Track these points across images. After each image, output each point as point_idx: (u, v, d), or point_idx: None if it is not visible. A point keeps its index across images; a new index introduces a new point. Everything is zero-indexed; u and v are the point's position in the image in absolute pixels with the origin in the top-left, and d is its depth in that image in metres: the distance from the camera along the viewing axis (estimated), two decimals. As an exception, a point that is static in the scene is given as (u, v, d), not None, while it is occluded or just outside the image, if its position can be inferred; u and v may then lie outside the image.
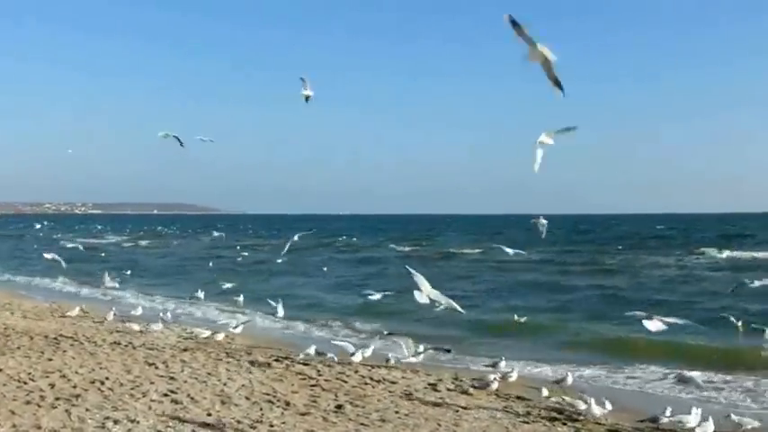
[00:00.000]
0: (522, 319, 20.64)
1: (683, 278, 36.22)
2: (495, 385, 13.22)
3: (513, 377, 13.88)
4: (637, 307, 24.33)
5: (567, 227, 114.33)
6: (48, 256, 25.04)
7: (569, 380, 13.39)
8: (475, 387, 13.45)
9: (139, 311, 22.66)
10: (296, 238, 22.00)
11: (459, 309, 10.74)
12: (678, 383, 14.38)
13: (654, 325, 13.77)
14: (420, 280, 10.18)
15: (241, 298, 25.71)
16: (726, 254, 48.70)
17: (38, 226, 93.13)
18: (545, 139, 8.69)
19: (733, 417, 11.08)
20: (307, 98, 11.61)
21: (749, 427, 10.90)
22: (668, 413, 11.12)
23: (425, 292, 10.13)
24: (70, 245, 47.42)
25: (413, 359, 15.45)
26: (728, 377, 14.91)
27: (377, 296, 18.55)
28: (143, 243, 75.83)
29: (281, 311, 22.21)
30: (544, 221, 15.82)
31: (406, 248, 64.77)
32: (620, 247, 58.32)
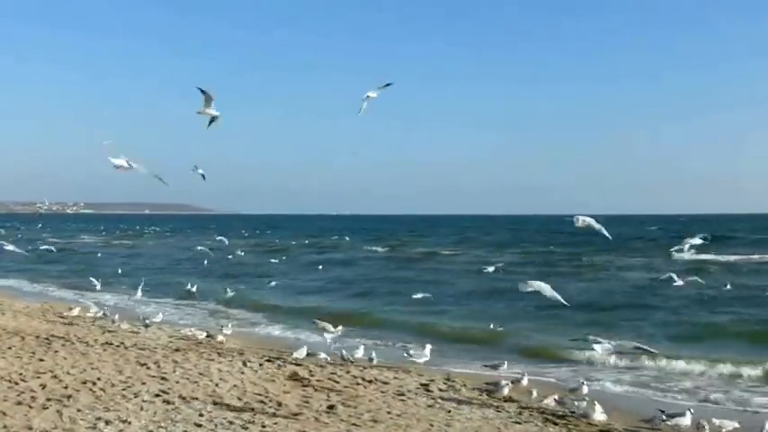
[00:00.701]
0: (499, 328, 20.55)
1: (647, 281, 35.47)
2: (506, 390, 13.06)
3: (525, 382, 13.57)
4: (595, 314, 24.39)
5: (556, 228, 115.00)
6: (8, 248, 24.81)
7: (585, 389, 12.97)
8: (485, 392, 13.35)
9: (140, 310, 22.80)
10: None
11: (563, 301, 11.28)
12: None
13: (602, 348, 14.00)
14: (536, 284, 10.89)
15: (230, 294, 25.75)
16: (698, 256, 48.82)
17: (40, 225, 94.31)
18: None
19: (714, 420, 11.21)
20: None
21: (730, 428, 11.03)
22: (664, 415, 11.22)
23: (533, 285, 10.73)
24: (43, 246, 47.17)
25: (422, 359, 15.50)
26: (700, 381, 15.15)
27: (328, 338, 17.32)
28: (129, 242, 75.72)
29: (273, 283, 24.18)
30: (696, 241, 15.46)
31: (382, 249, 64.94)
32: (601, 250, 57.99)
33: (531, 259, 52.17)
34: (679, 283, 23.13)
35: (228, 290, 26.06)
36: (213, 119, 10.78)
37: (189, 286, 29.30)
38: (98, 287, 27.69)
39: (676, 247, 15.90)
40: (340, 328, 17.11)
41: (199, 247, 46.21)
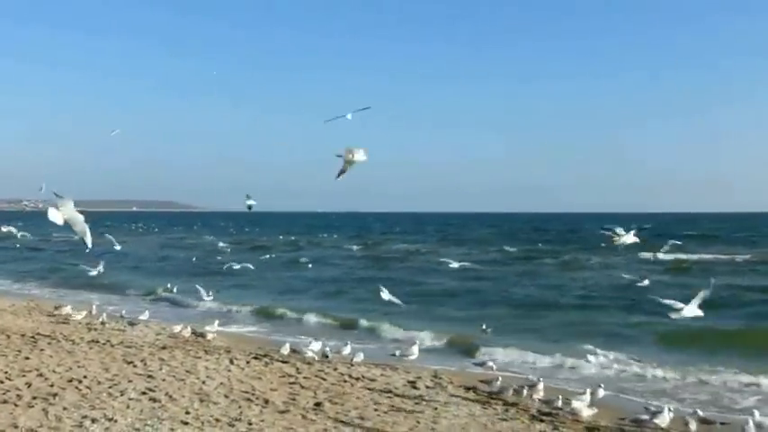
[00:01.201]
0: (489, 330, 20.57)
1: (625, 281, 35.28)
2: (509, 392, 12.89)
3: (541, 387, 12.80)
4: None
5: (542, 226, 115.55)
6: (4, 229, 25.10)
7: (600, 393, 12.54)
8: (489, 393, 13.18)
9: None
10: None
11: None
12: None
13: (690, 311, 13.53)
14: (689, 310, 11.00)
15: (211, 297, 25.70)
16: (675, 255, 49.17)
17: (20, 224, 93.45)
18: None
19: (699, 412, 11.37)
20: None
21: (718, 423, 11.17)
22: (650, 412, 11.34)
23: (687, 311, 10.90)
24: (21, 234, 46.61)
25: (410, 357, 15.53)
26: (681, 383, 15.26)
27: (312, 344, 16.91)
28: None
29: (242, 266, 28.21)
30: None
31: (357, 247, 64.92)
32: (582, 249, 57.97)
33: (511, 257, 52.66)
34: (645, 283, 23.71)
35: (201, 288, 26.05)
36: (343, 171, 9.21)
37: (169, 285, 29.40)
38: (94, 273, 27.25)
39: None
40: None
41: (220, 244, 47.08)
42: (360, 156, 8.83)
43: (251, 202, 13.08)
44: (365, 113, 10.15)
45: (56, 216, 8.45)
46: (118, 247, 24.91)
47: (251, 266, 32.21)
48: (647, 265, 43.54)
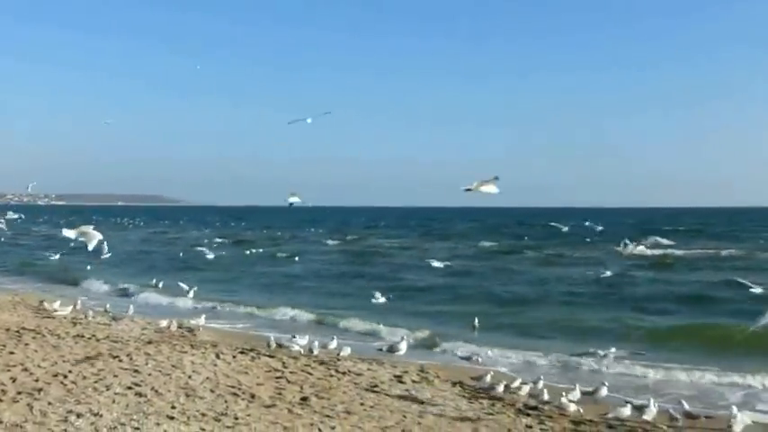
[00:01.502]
0: (478, 325, 20.70)
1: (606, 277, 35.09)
2: (500, 388, 12.89)
3: (541, 386, 12.70)
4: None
5: (528, 221, 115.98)
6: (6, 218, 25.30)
7: (603, 391, 12.56)
8: (477, 389, 13.21)
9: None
10: None
11: None
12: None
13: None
14: None
15: (192, 293, 25.63)
16: (660, 251, 49.73)
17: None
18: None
19: (685, 405, 11.50)
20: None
21: (703, 417, 11.30)
22: (636, 407, 11.43)
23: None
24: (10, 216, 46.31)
25: (397, 353, 15.57)
26: (674, 375, 15.43)
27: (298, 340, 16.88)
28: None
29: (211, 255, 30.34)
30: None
31: (331, 242, 64.91)
32: (565, 243, 58.15)
33: (493, 251, 52.95)
34: (607, 274, 24.50)
35: (184, 285, 25.97)
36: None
37: (154, 280, 29.39)
38: (104, 256, 26.82)
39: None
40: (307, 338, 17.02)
41: (217, 240, 47.57)
42: (490, 189, 9.39)
43: (294, 199, 12.79)
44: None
45: (69, 233, 9.22)
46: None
47: (211, 256, 32.80)
48: (630, 260, 43.94)
